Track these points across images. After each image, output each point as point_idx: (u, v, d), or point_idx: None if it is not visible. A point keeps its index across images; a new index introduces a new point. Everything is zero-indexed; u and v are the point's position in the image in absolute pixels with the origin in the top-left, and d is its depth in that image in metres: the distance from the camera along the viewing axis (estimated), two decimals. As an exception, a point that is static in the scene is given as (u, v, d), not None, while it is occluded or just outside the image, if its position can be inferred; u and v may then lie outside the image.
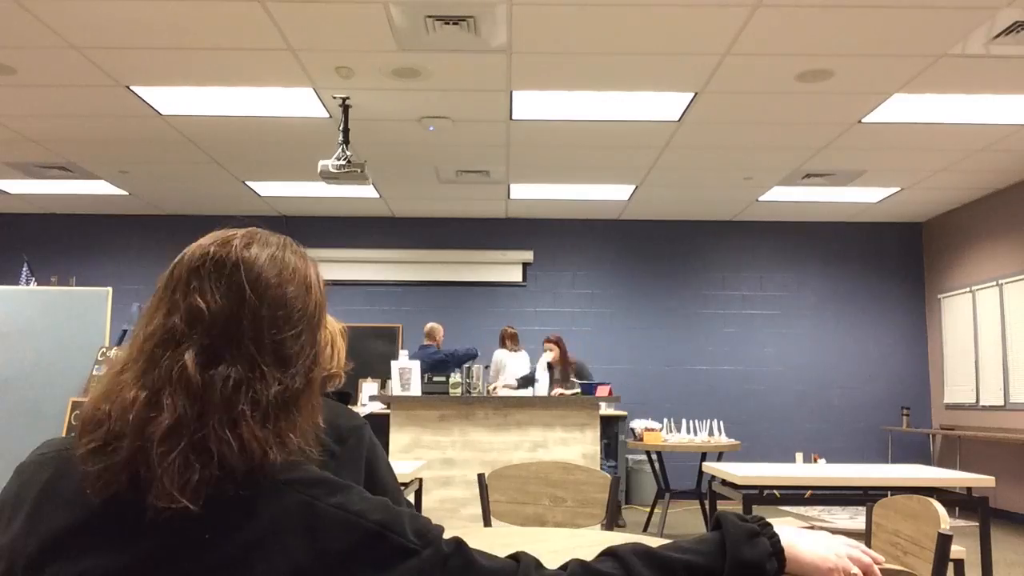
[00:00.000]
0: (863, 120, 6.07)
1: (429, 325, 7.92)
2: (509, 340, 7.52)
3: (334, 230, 9.42)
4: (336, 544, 0.86)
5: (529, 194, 8.36)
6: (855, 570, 1.06)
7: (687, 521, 7.47)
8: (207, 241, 0.97)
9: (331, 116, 6.03)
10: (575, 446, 5.66)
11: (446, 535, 0.96)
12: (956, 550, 3.33)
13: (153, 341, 0.90)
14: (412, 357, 7.26)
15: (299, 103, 5.81)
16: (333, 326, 2.07)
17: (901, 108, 5.80)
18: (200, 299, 0.90)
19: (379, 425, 7.05)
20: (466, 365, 6.37)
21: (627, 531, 6.29)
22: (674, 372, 9.27)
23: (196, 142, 6.74)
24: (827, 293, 9.41)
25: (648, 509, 7.92)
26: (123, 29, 4.66)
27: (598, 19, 4.52)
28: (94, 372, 6.48)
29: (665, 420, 8.61)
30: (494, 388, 7.22)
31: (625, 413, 8.67)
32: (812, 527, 3.96)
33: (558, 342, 7.06)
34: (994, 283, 8.06)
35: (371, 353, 8.66)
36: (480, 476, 2.78)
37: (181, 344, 0.88)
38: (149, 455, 0.83)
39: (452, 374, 6.20)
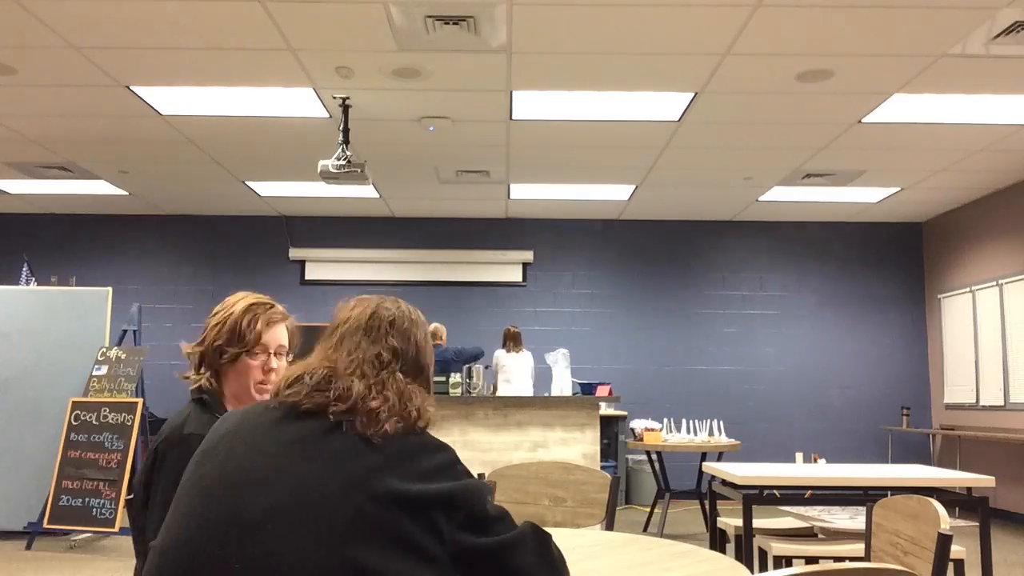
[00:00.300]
0: (863, 120, 6.07)
1: (433, 325, 7.90)
2: (511, 340, 7.50)
3: (334, 230, 9.42)
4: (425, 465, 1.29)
5: (529, 194, 8.36)
6: None
7: (687, 521, 7.48)
8: (384, 306, 1.51)
9: (331, 116, 6.03)
10: (575, 446, 5.66)
11: None
12: (956, 550, 3.33)
13: (368, 362, 1.40)
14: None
15: (299, 103, 5.81)
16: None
17: (901, 108, 5.80)
18: (395, 342, 1.45)
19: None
20: (467, 365, 6.37)
21: (627, 531, 6.28)
22: (674, 372, 9.28)
23: (196, 142, 6.74)
24: (827, 293, 9.41)
25: (648, 509, 7.92)
26: (123, 29, 4.66)
27: (598, 19, 4.52)
28: (94, 372, 6.48)
29: (665, 420, 8.61)
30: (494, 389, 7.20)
31: (625, 413, 8.68)
32: (812, 527, 3.96)
33: None
34: (994, 283, 8.06)
35: (371, 353, 8.65)
36: (480, 476, 2.78)
37: (389, 364, 1.42)
38: (370, 415, 1.29)
39: (452, 374, 6.20)
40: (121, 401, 6.26)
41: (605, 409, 8.53)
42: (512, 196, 8.45)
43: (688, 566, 1.79)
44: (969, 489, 3.73)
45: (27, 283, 7.52)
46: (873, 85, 5.40)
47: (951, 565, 3.08)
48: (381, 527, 1.17)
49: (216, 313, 1.96)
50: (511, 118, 6.10)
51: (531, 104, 5.81)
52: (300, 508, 1.17)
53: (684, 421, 7.22)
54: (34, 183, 8.03)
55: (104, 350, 6.58)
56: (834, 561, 3.37)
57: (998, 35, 4.63)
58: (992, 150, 6.74)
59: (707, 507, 5.30)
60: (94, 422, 6.19)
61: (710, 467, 4.11)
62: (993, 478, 3.59)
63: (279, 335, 1.98)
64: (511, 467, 2.82)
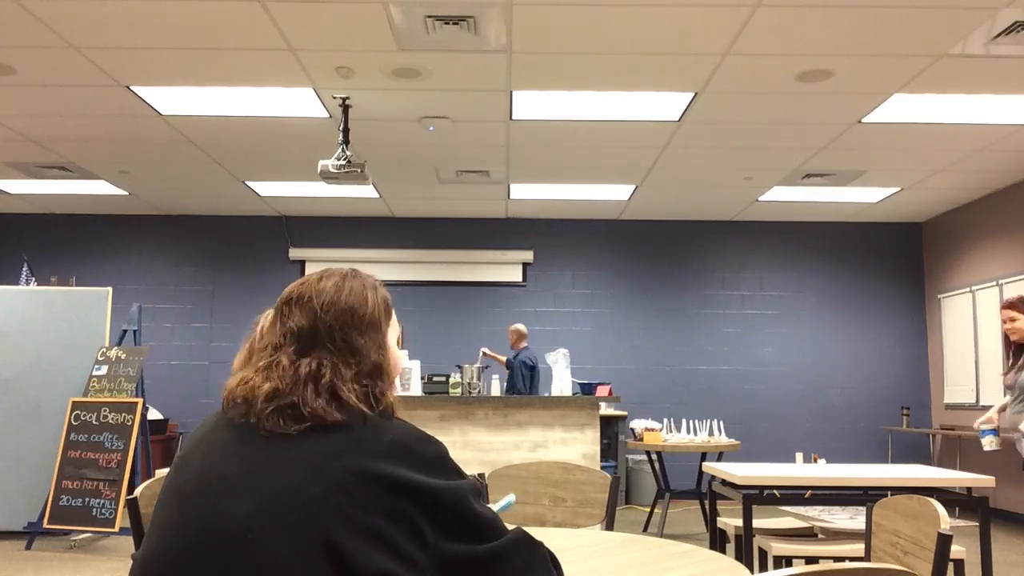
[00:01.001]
0: (863, 120, 6.07)
1: (517, 326, 7.93)
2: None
3: (334, 230, 9.43)
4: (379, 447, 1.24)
5: (529, 194, 8.36)
6: None
7: (687, 521, 7.48)
8: (297, 282, 1.41)
9: (331, 116, 6.03)
10: (575, 446, 5.66)
11: None
12: (956, 550, 3.33)
13: (260, 347, 1.35)
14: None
15: (299, 103, 5.81)
16: None
17: (901, 108, 5.80)
18: (291, 321, 1.34)
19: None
20: (465, 364, 6.37)
21: (627, 531, 6.28)
22: (674, 372, 9.28)
23: (196, 142, 6.74)
24: (827, 293, 9.41)
25: (648, 509, 7.92)
26: (123, 29, 4.66)
27: (598, 19, 4.52)
28: (94, 372, 6.48)
29: (665, 420, 8.62)
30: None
31: (625, 413, 8.68)
32: (812, 527, 3.96)
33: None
34: (994, 283, 8.06)
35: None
36: (480, 476, 2.78)
37: (280, 348, 1.32)
38: (257, 407, 1.25)
39: (452, 374, 6.20)
40: (121, 401, 6.26)
41: (605, 409, 8.53)
42: (512, 196, 8.45)
43: (688, 566, 1.79)
44: (969, 489, 3.73)
45: (27, 283, 7.52)
46: (873, 85, 5.40)
47: (951, 565, 3.08)
48: (365, 529, 1.13)
49: None
50: (511, 118, 6.10)
51: (531, 104, 5.81)
52: (281, 517, 1.14)
53: (684, 421, 7.22)
54: (34, 183, 8.03)
55: (104, 350, 6.58)
56: (834, 561, 3.37)
57: (998, 35, 4.63)
58: (992, 150, 6.74)
59: (707, 507, 5.30)
60: (94, 422, 6.19)
61: (710, 467, 4.11)
62: (993, 478, 3.59)
63: None
64: (511, 467, 2.82)
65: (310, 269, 9.31)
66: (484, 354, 7.79)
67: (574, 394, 6.38)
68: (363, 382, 1.29)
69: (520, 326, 7.87)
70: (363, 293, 1.39)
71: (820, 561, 3.48)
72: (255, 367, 1.32)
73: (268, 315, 1.72)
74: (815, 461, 6.26)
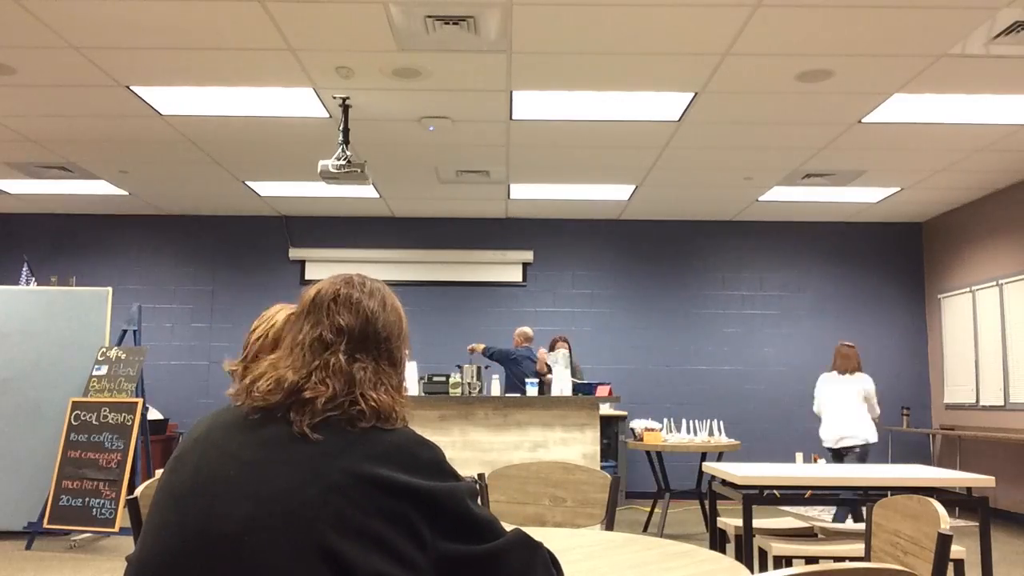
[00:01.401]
0: (863, 120, 6.07)
1: (523, 328, 7.97)
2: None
3: (334, 230, 9.42)
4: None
5: (529, 194, 8.36)
6: None
7: (687, 521, 7.48)
8: (334, 282, 1.39)
9: (331, 116, 6.03)
10: (575, 446, 5.66)
11: None
12: (956, 550, 3.33)
13: (305, 344, 1.32)
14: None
15: (299, 103, 5.81)
16: None
17: (901, 108, 5.80)
18: (340, 319, 1.33)
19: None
20: (464, 364, 6.37)
21: (627, 531, 6.28)
22: (674, 372, 9.28)
23: (196, 142, 6.74)
24: (827, 293, 9.41)
25: (648, 509, 7.92)
26: (123, 29, 4.66)
27: (598, 19, 4.52)
28: (94, 372, 6.48)
29: (665, 420, 8.61)
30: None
31: (625, 413, 8.68)
32: (812, 527, 3.96)
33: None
34: (994, 283, 8.06)
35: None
36: (480, 476, 2.78)
37: (332, 345, 1.31)
38: (304, 405, 1.24)
39: (452, 374, 6.20)
40: (121, 401, 6.26)
41: (605, 409, 8.53)
42: (512, 196, 8.45)
43: (688, 566, 1.80)
44: (969, 489, 3.73)
45: (27, 283, 7.52)
46: (873, 85, 5.40)
47: (951, 565, 3.08)
48: (363, 531, 1.13)
49: (256, 328, 1.92)
50: (511, 118, 6.10)
51: (531, 104, 5.81)
52: (279, 518, 1.14)
53: (684, 421, 7.22)
54: (34, 183, 8.03)
55: (104, 350, 6.58)
56: (834, 561, 3.37)
57: (998, 35, 4.63)
58: (992, 150, 6.74)
59: (707, 507, 5.30)
60: (94, 422, 6.19)
61: (710, 467, 4.11)
62: (993, 478, 3.59)
63: None
64: (511, 467, 2.82)
65: (310, 269, 9.31)
66: (472, 350, 7.78)
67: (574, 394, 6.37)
68: (398, 391, 1.33)
69: (527, 329, 7.90)
70: (398, 308, 1.42)
71: (820, 561, 3.48)
72: (304, 363, 1.29)
73: (278, 310, 1.78)
74: (815, 461, 6.24)
